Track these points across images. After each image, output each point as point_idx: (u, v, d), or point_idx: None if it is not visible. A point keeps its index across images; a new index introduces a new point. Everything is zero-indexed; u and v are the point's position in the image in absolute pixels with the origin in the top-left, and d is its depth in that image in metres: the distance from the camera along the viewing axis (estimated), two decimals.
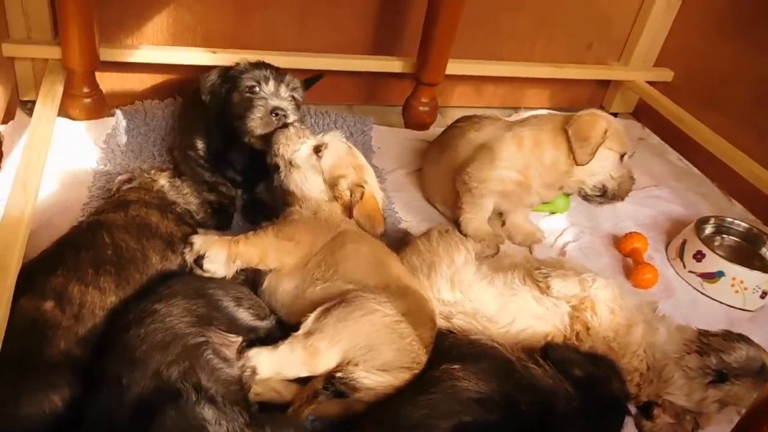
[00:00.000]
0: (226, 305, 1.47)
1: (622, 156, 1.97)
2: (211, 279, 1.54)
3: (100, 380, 1.29)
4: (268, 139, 1.83)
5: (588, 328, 1.65)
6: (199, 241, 1.59)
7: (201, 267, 1.57)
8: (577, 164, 1.93)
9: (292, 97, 1.92)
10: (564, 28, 2.99)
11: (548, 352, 1.53)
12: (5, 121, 2.12)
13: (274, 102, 1.85)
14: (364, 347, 1.40)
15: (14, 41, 2.24)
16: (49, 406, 1.27)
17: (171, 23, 2.45)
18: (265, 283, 1.63)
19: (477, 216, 2.11)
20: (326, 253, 1.62)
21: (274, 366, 1.41)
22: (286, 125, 1.83)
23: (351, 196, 1.75)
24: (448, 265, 1.72)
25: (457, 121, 2.28)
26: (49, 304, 1.37)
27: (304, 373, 1.43)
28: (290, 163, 1.78)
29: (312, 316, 1.44)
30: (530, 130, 2.02)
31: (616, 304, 1.68)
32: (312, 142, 1.80)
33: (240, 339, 1.49)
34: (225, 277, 1.58)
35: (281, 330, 1.56)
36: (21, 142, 2.02)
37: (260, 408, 1.41)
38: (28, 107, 2.26)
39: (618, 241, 2.28)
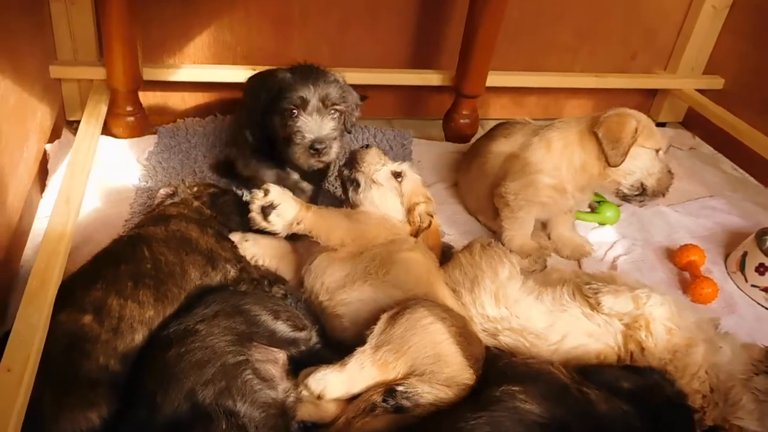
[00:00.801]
0: (264, 319, 1.44)
1: (657, 151, 1.90)
2: (246, 294, 1.51)
3: (136, 397, 1.26)
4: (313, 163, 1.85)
5: (642, 349, 1.56)
6: (276, 191, 1.63)
7: (265, 216, 1.61)
8: (610, 166, 1.86)
9: (335, 111, 1.83)
10: (607, 38, 2.91)
11: (589, 376, 1.42)
12: (51, 141, 2.14)
13: (313, 134, 1.77)
14: (432, 357, 1.35)
15: (61, 63, 2.28)
16: (86, 423, 1.25)
17: (212, 42, 2.46)
18: (315, 262, 1.64)
19: (519, 232, 2.04)
20: (384, 250, 1.62)
21: (344, 386, 1.36)
22: (367, 146, 1.91)
23: (421, 222, 1.80)
24: (491, 279, 1.65)
25: (491, 129, 2.26)
26: (87, 318, 1.35)
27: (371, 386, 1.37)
28: (372, 180, 1.81)
29: (378, 327, 1.40)
30: (557, 132, 1.97)
31: (674, 323, 1.57)
32: (390, 166, 1.85)
33: (284, 354, 1.45)
34: (279, 234, 1.66)
35: (319, 339, 1.55)
36: (66, 161, 2.02)
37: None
38: (74, 127, 2.27)
39: (673, 254, 2.17)
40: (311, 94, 1.78)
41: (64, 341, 1.31)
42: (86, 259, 1.65)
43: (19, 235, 1.77)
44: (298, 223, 1.62)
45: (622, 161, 1.84)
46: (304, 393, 1.36)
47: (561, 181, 1.95)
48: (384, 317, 1.41)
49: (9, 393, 1.17)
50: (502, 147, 2.09)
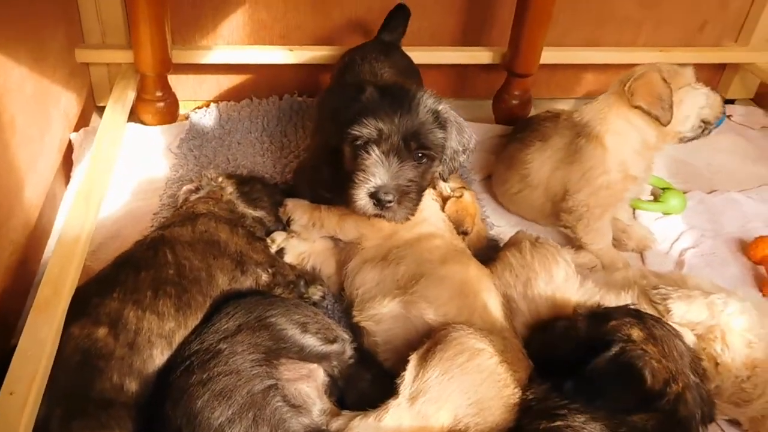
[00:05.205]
0: (292, 334, 1.29)
1: (690, 84, 1.79)
2: (272, 303, 1.35)
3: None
4: None
5: (717, 364, 1.39)
6: (290, 204, 1.64)
7: (290, 226, 1.63)
8: (665, 125, 1.72)
9: (423, 156, 1.43)
10: (673, 7, 2.60)
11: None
12: (78, 128, 2.01)
13: (378, 181, 1.37)
14: (474, 404, 1.20)
15: (87, 46, 2.14)
16: None
17: (246, 21, 2.28)
18: (351, 264, 1.55)
19: (603, 242, 1.83)
20: (410, 252, 1.48)
21: None
22: None
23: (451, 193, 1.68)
24: (546, 281, 1.49)
25: (514, 131, 2.07)
26: (102, 331, 1.23)
27: None
28: None
29: (409, 372, 1.24)
30: (602, 125, 1.78)
31: (754, 334, 1.39)
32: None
33: (318, 368, 1.32)
34: (311, 240, 1.62)
35: (353, 352, 1.41)
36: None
37: None
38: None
39: (747, 247, 1.95)
40: (393, 128, 1.37)
41: (76, 357, 1.19)
42: (112, 256, 1.52)
43: (38, 233, 1.64)
44: (314, 225, 1.59)
45: (672, 114, 1.71)
46: None
47: (628, 170, 1.77)
48: (414, 358, 1.25)
49: (11, 418, 1.06)
50: (544, 154, 1.86)
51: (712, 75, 2.85)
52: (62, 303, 1.24)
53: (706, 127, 1.80)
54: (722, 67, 2.83)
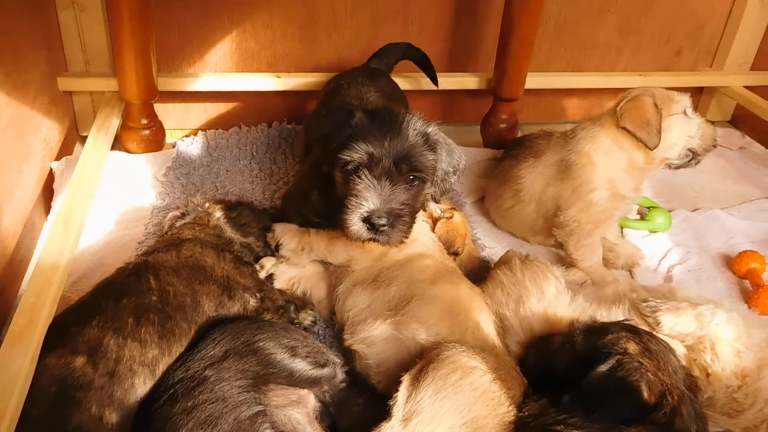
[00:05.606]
0: (281, 358, 1.20)
1: (684, 113, 1.77)
2: (260, 327, 1.26)
3: None
4: None
5: (708, 374, 1.36)
6: (278, 228, 1.59)
7: (279, 251, 1.57)
8: (651, 150, 1.71)
9: (415, 178, 1.38)
10: (650, 35, 2.63)
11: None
12: (60, 158, 1.92)
13: (371, 205, 1.33)
14: (469, 423, 1.12)
15: (70, 75, 2.06)
16: None
17: (234, 50, 2.23)
18: (341, 287, 1.49)
19: (593, 259, 1.79)
20: (400, 273, 1.42)
21: None
22: None
23: (441, 214, 1.65)
24: (538, 298, 1.44)
25: (508, 149, 2.04)
26: (79, 360, 1.13)
27: None
28: None
29: (402, 393, 1.16)
30: (590, 143, 1.78)
31: (742, 343, 1.37)
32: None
33: (309, 394, 1.24)
34: (300, 265, 1.55)
35: (345, 376, 1.33)
36: None
37: None
38: None
39: (731, 262, 1.94)
40: (384, 152, 1.33)
41: (52, 388, 1.10)
42: None
43: (15, 264, 1.54)
44: (303, 249, 1.53)
45: (659, 140, 1.70)
46: None
47: (616, 188, 1.75)
48: (406, 378, 1.18)
49: None
50: (536, 170, 1.83)
51: (691, 99, 2.86)
52: (37, 334, 1.14)
53: (694, 156, 1.78)
54: (700, 90, 2.84)
